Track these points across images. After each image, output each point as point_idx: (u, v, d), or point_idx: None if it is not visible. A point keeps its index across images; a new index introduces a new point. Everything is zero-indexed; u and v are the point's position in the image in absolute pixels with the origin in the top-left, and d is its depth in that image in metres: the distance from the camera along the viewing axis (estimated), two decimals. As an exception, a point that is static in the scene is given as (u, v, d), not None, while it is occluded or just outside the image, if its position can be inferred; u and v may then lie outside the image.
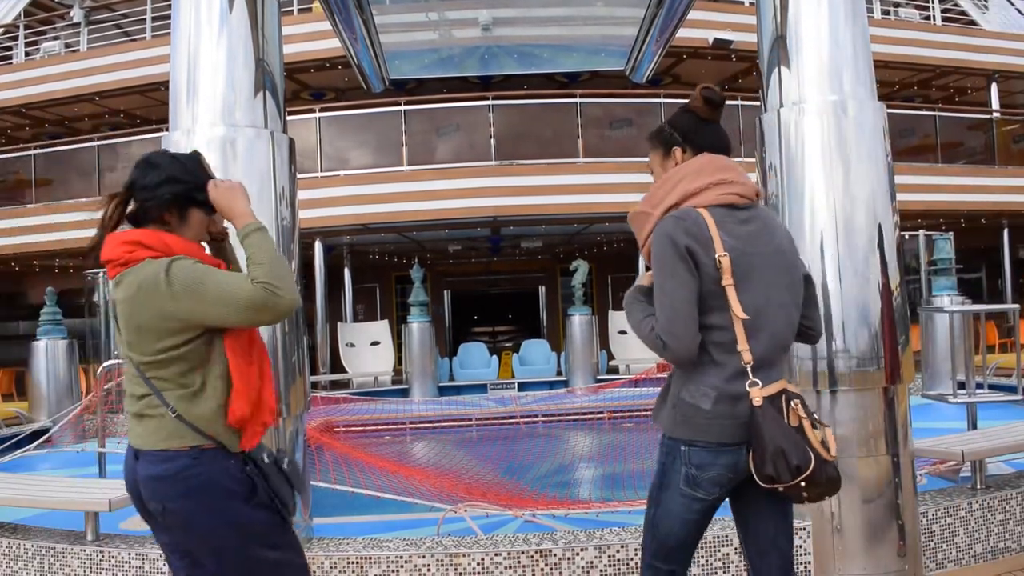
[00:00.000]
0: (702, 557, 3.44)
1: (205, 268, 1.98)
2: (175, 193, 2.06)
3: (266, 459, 2.07)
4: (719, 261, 2.05)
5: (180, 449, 1.98)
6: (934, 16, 17.81)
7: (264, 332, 3.31)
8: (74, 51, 16.15)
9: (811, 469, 1.98)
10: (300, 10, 15.07)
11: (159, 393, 1.98)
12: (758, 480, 2.02)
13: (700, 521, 2.15)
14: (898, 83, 17.15)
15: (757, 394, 2.03)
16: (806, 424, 2.04)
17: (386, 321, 14.64)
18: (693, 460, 2.08)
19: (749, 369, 2.05)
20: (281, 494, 2.06)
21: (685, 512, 2.11)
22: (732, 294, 2.06)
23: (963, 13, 18.42)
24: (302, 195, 3.95)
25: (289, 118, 3.88)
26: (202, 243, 2.16)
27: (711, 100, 2.21)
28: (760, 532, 2.21)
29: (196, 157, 2.16)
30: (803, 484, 1.98)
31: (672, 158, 2.24)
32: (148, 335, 1.97)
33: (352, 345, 13.66)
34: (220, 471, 2.00)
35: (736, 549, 3.41)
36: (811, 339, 2.35)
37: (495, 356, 14.06)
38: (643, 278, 2.25)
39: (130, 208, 2.09)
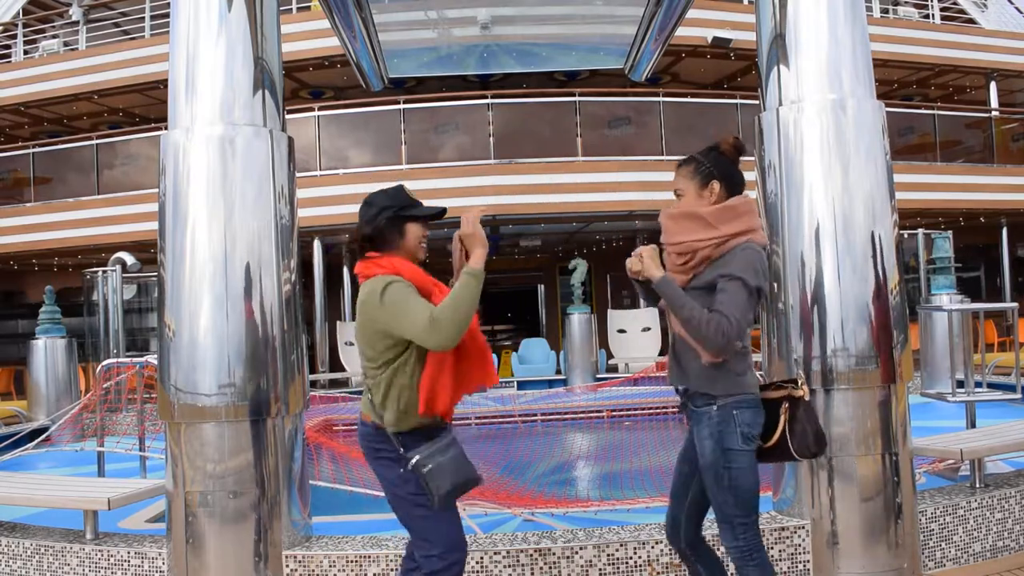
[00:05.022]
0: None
1: (411, 291, 2.54)
2: (388, 217, 2.65)
3: (415, 459, 2.55)
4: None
5: (368, 421, 2.67)
6: (933, 15, 17.82)
7: (262, 331, 3.32)
8: (73, 49, 16.12)
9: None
10: (299, 8, 15.06)
11: (365, 372, 2.65)
12: (799, 456, 2.61)
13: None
14: (897, 82, 17.15)
15: (807, 390, 2.63)
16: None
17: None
18: (743, 420, 2.55)
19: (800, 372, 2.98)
20: (428, 484, 2.54)
21: (750, 464, 2.57)
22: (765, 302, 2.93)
23: (962, 11, 18.42)
24: (301, 193, 3.95)
25: (288, 116, 3.88)
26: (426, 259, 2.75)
27: (741, 150, 2.66)
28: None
29: (400, 187, 2.74)
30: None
31: (709, 189, 2.63)
32: (363, 334, 2.61)
33: (351, 344, 13.64)
34: (382, 440, 2.62)
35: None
36: None
37: (494, 355, 14.01)
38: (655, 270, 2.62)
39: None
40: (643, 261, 2.61)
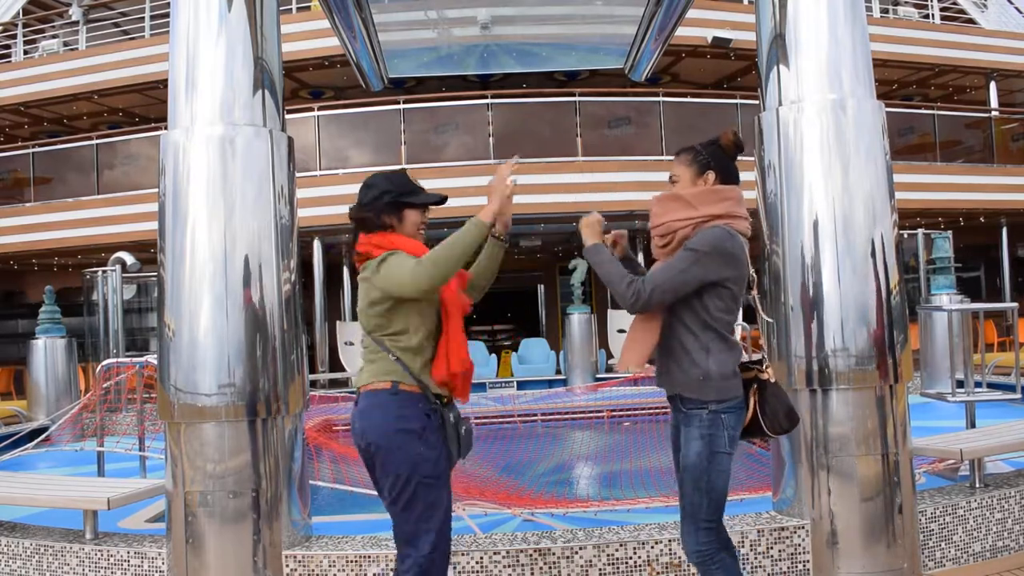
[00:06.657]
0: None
1: (404, 256, 2.55)
2: (387, 201, 2.65)
3: (452, 418, 2.60)
4: (753, 277, 2.68)
5: (382, 388, 2.56)
6: (933, 15, 17.82)
7: (262, 331, 3.32)
8: (73, 49, 16.12)
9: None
10: (299, 8, 15.06)
11: (380, 343, 2.59)
12: (772, 432, 2.66)
13: None
14: (897, 82, 17.15)
15: (773, 373, 2.68)
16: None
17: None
18: (729, 423, 2.58)
19: (765, 355, 2.74)
20: (448, 444, 2.58)
21: (729, 468, 2.62)
22: (759, 303, 2.83)
23: (962, 11, 18.42)
24: (301, 193, 3.94)
25: (288, 116, 3.88)
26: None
27: (740, 147, 2.72)
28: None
29: (403, 171, 2.74)
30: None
31: (704, 179, 2.68)
32: (364, 303, 2.61)
33: (351, 344, 13.63)
34: (407, 407, 2.55)
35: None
36: None
37: (494, 355, 14.03)
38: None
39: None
40: (583, 228, 2.72)
